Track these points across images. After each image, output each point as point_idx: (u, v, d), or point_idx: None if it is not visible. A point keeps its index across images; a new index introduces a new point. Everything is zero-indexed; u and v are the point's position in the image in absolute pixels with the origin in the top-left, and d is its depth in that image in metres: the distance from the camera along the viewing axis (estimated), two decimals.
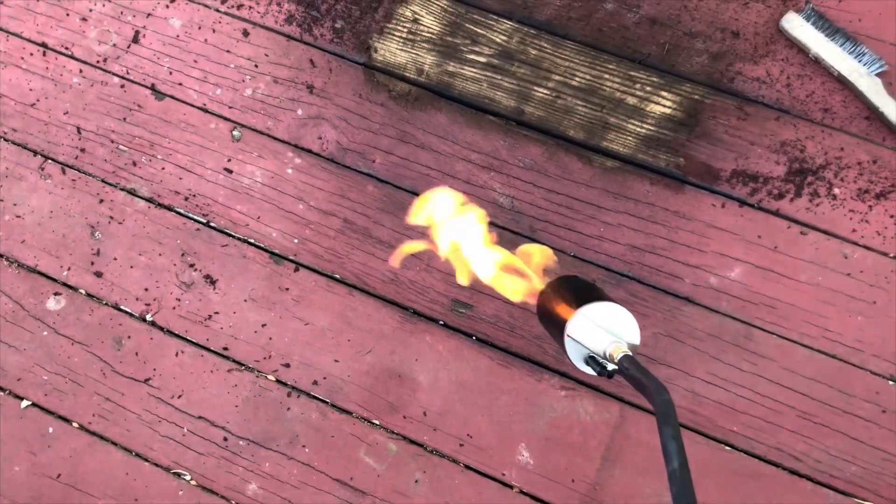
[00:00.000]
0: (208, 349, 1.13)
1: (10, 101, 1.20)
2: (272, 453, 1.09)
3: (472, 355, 1.09)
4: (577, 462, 1.06)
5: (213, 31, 1.18)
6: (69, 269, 1.16)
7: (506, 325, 1.09)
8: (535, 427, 1.07)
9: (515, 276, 0.85)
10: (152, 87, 1.18)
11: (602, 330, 0.65)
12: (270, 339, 1.12)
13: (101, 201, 1.16)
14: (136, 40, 1.19)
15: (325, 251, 1.13)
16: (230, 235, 1.14)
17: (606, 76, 1.11)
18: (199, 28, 1.19)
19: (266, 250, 1.14)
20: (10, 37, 1.21)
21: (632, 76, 1.11)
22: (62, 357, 1.14)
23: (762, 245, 1.07)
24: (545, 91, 1.12)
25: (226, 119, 1.17)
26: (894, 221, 1.06)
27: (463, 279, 1.03)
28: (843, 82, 1.07)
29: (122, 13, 1.20)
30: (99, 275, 1.15)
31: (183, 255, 1.14)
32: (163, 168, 1.16)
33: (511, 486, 1.07)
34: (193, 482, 1.10)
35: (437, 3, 1.14)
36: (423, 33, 1.14)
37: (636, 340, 0.66)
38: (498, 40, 1.13)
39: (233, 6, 1.19)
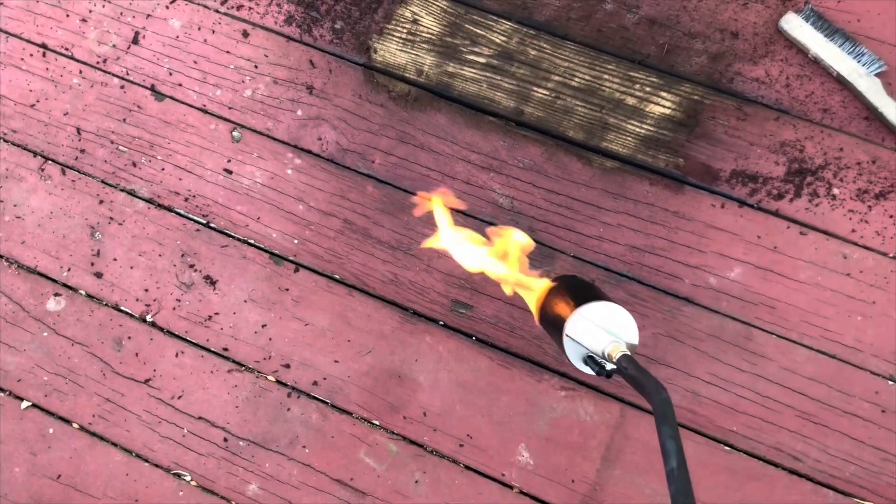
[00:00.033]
0: (208, 350, 1.13)
1: (10, 101, 1.20)
2: (272, 454, 1.09)
3: (472, 356, 1.09)
4: (577, 462, 1.06)
5: (213, 31, 1.19)
6: (69, 269, 1.16)
7: (506, 325, 1.09)
8: (535, 427, 1.07)
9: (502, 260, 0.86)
10: (152, 88, 1.19)
11: (601, 330, 0.66)
12: (270, 339, 1.12)
13: (101, 202, 1.17)
14: (135, 41, 1.20)
15: (325, 252, 1.13)
16: (230, 236, 1.15)
17: (606, 76, 1.11)
18: (199, 29, 1.19)
19: (266, 251, 1.14)
20: (10, 38, 1.21)
21: (631, 76, 1.11)
22: (62, 358, 1.14)
23: (762, 245, 1.07)
24: (545, 91, 1.12)
25: (225, 120, 1.17)
26: (894, 221, 1.06)
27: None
28: (842, 82, 1.08)
29: (121, 14, 1.20)
30: (99, 275, 1.15)
31: (183, 255, 1.15)
32: (163, 169, 1.17)
33: (511, 487, 1.07)
34: (193, 483, 1.10)
35: (437, 3, 1.15)
36: (423, 34, 1.15)
37: (635, 340, 0.66)
38: (497, 41, 1.13)
39: (232, 7, 1.19)
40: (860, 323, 1.04)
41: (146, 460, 1.11)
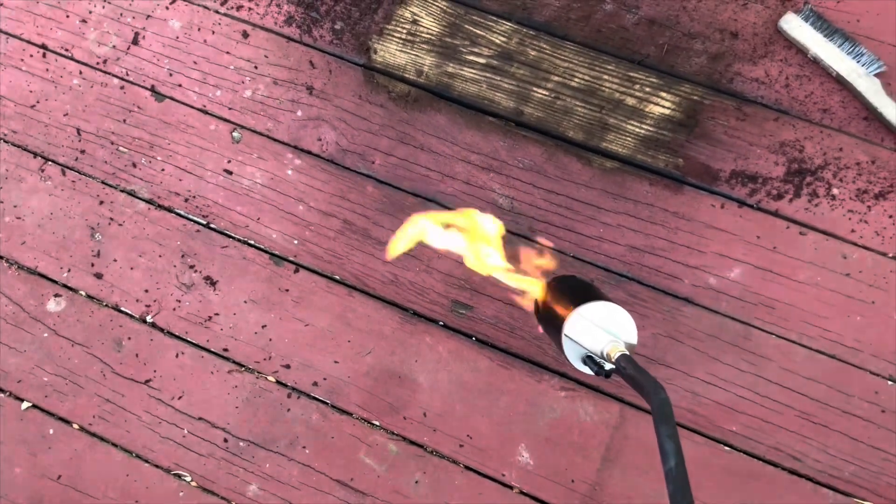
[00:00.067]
0: (208, 350, 1.13)
1: (10, 102, 1.20)
2: (272, 454, 1.10)
3: (472, 356, 1.09)
4: (576, 462, 1.06)
5: (213, 32, 1.19)
6: (69, 270, 1.16)
7: (506, 325, 1.09)
8: (535, 428, 1.07)
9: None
10: (152, 89, 1.19)
11: (600, 329, 0.66)
12: (270, 340, 1.12)
13: (102, 203, 1.17)
14: (135, 42, 1.20)
15: (325, 252, 1.13)
16: (230, 237, 1.15)
17: (605, 77, 1.11)
18: (199, 29, 1.19)
19: (266, 251, 1.14)
20: (10, 38, 1.22)
21: (631, 77, 1.11)
22: (62, 358, 1.14)
23: (761, 245, 1.07)
24: (544, 92, 1.12)
25: (225, 120, 1.17)
26: (893, 221, 1.06)
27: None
28: (841, 83, 1.08)
29: (121, 15, 1.20)
30: (99, 276, 1.15)
31: (183, 256, 1.15)
32: (163, 169, 1.17)
33: (511, 487, 1.07)
34: (194, 483, 1.10)
35: (436, 4, 1.15)
36: (423, 34, 1.15)
37: (634, 340, 0.66)
38: (497, 41, 1.13)
39: (232, 7, 1.19)
40: (860, 323, 1.04)
41: (146, 461, 1.11)
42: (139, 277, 1.15)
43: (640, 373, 0.57)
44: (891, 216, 1.06)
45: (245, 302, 1.13)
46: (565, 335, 0.67)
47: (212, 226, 1.15)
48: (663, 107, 1.10)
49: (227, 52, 1.18)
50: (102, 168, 1.17)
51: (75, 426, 1.12)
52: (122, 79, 1.19)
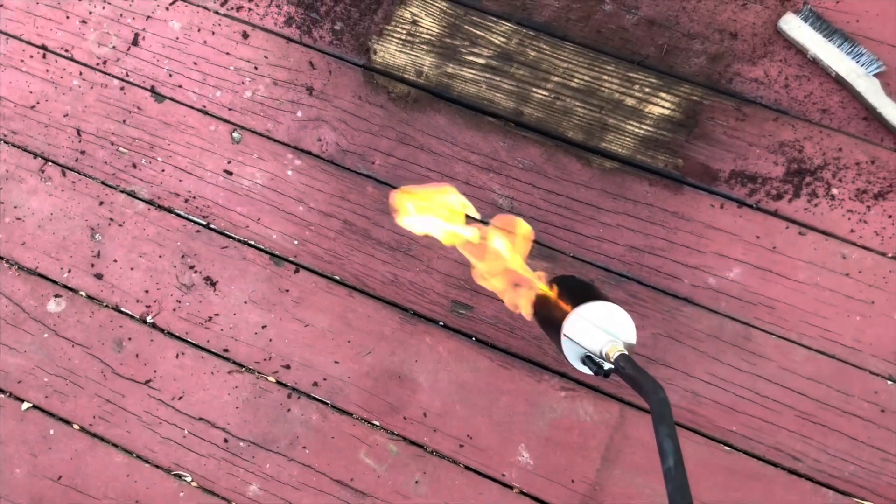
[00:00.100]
0: (209, 351, 1.13)
1: (10, 103, 1.20)
2: (273, 454, 1.10)
3: (472, 356, 1.09)
4: (576, 462, 1.06)
5: (213, 33, 1.19)
6: (69, 271, 1.16)
7: (506, 325, 1.09)
8: (535, 428, 1.07)
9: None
10: (152, 90, 1.19)
11: (599, 329, 0.66)
12: (271, 340, 1.12)
13: (102, 203, 1.17)
14: (135, 43, 1.20)
15: (325, 252, 1.13)
16: (230, 237, 1.15)
17: (605, 77, 1.12)
18: (199, 30, 1.19)
19: (266, 252, 1.14)
20: (10, 39, 1.22)
21: (630, 77, 1.11)
22: (63, 359, 1.14)
23: (761, 245, 1.07)
24: (544, 92, 1.12)
25: (225, 121, 1.17)
26: (892, 221, 1.06)
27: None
28: (841, 83, 1.08)
29: (121, 16, 1.20)
30: (99, 277, 1.15)
31: (183, 256, 1.15)
32: (163, 170, 1.17)
33: (511, 487, 1.07)
34: (194, 483, 1.10)
35: (436, 4, 1.15)
36: (422, 35, 1.15)
37: (633, 340, 0.66)
38: (497, 42, 1.14)
39: (232, 8, 1.19)
40: (859, 323, 1.05)
41: (147, 461, 1.11)
42: (139, 278, 1.15)
43: (638, 372, 0.57)
44: (890, 216, 1.06)
45: (245, 302, 1.13)
46: (564, 335, 0.67)
47: (212, 226, 1.15)
48: (663, 107, 1.10)
49: (227, 53, 1.18)
50: (102, 169, 1.18)
51: (76, 427, 1.13)
52: (122, 79, 1.19)
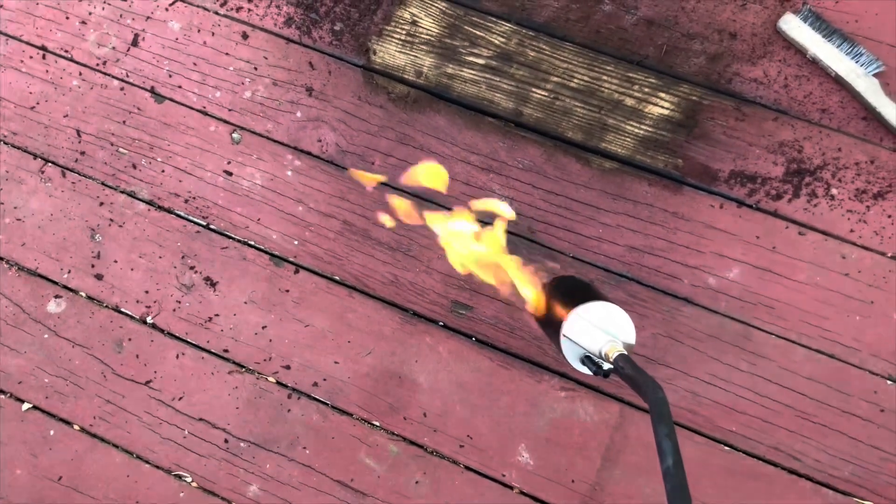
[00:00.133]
0: (209, 351, 1.13)
1: (9, 104, 1.20)
2: (273, 455, 1.10)
3: (472, 356, 1.09)
4: (577, 462, 1.06)
5: (213, 33, 1.19)
6: (69, 271, 1.16)
7: (506, 326, 1.09)
8: (535, 428, 1.07)
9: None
10: (152, 90, 1.19)
11: (598, 329, 0.66)
12: (271, 340, 1.12)
13: (101, 204, 1.17)
14: (135, 43, 1.20)
15: (325, 253, 1.13)
16: (230, 237, 1.15)
17: (605, 77, 1.12)
18: (199, 31, 1.19)
19: (266, 252, 1.14)
20: (10, 40, 1.22)
21: (630, 77, 1.11)
22: (63, 360, 1.14)
23: (760, 245, 1.07)
24: (544, 92, 1.12)
25: (225, 122, 1.17)
26: (892, 221, 1.06)
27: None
28: (840, 83, 1.08)
29: (121, 16, 1.21)
30: (99, 277, 1.15)
31: (183, 257, 1.15)
32: (162, 170, 1.17)
33: (511, 487, 1.07)
34: (194, 484, 1.10)
35: (436, 5, 1.15)
36: (422, 35, 1.15)
37: (632, 340, 0.67)
38: (496, 42, 1.14)
39: (232, 9, 1.19)
40: (859, 323, 1.05)
41: (147, 462, 1.11)
42: (139, 278, 1.15)
43: (637, 372, 0.57)
44: (889, 216, 1.06)
45: (245, 303, 1.13)
46: (564, 335, 0.67)
47: (212, 227, 1.15)
48: (662, 107, 1.10)
49: (227, 54, 1.18)
50: (102, 169, 1.18)
51: (76, 427, 1.13)
52: (122, 80, 1.19)
